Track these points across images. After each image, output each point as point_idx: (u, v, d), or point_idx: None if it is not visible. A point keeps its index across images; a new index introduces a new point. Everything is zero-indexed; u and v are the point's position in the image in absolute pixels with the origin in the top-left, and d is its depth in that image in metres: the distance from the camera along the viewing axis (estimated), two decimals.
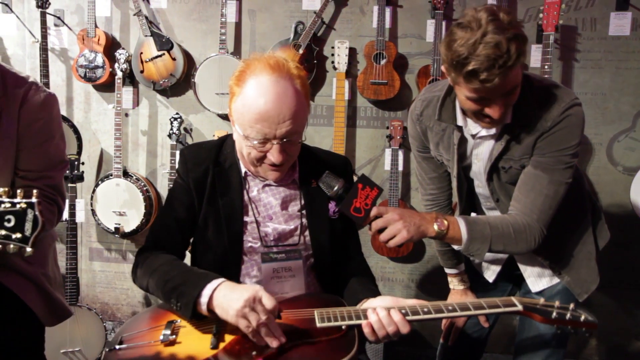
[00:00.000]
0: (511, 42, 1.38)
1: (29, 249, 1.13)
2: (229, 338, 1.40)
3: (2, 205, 1.12)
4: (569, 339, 1.88)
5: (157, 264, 1.54)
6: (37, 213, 1.12)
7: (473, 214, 2.00)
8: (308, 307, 1.43)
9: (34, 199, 1.13)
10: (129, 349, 1.39)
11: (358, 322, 1.36)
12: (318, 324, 1.36)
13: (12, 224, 1.12)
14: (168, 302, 1.45)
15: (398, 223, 1.49)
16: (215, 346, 1.37)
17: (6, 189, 1.13)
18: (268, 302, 1.33)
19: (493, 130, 1.64)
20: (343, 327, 1.37)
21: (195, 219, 1.64)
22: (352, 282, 1.63)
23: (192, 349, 1.37)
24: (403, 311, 1.35)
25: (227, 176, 1.62)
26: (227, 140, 1.69)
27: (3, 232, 1.12)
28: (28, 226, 1.12)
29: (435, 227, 1.55)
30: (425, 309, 1.36)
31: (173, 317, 1.47)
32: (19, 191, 1.13)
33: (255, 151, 1.49)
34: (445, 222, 1.56)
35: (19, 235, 1.12)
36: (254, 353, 1.33)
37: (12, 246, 1.12)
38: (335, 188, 1.47)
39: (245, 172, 1.63)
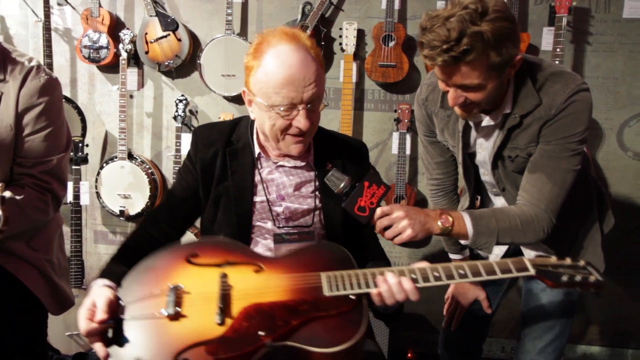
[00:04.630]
0: (469, 36, 1.36)
1: None
2: (234, 309, 1.33)
3: None
4: (574, 316, 1.88)
5: (130, 240, 1.60)
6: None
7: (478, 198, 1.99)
8: (314, 268, 1.39)
9: None
10: (135, 325, 1.33)
11: (367, 290, 1.33)
12: (326, 293, 1.33)
13: None
14: None
15: (403, 221, 1.48)
16: (222, 322, 1.30)
17: None
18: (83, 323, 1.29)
19: (497, 120, 1.62)
20: (352, 296, 1.33)
21: (198, 202, 1.63)
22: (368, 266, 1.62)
23: (199, 325, 1.31)
24: (413, 276, 1.34)
25: (239, 156, 1.61)
26: (241, 122, 1.67)
27: None
28: None
29: (440, 224, 1.54)
30: (437, 274, 1.35)
31: (174, 275, 1.40)
32: None
33: (281, 120, 1.47)
34: (450, 219, 1.55)
35: None
36: (261, 333, 1.27)
37: None
38: (341, 186, 1.45)
39: (259, 154, 1.61)
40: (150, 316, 1.33)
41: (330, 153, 1.63)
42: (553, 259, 1.37)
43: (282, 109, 1.45)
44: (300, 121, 1.46)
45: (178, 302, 1.34)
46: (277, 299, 1.34)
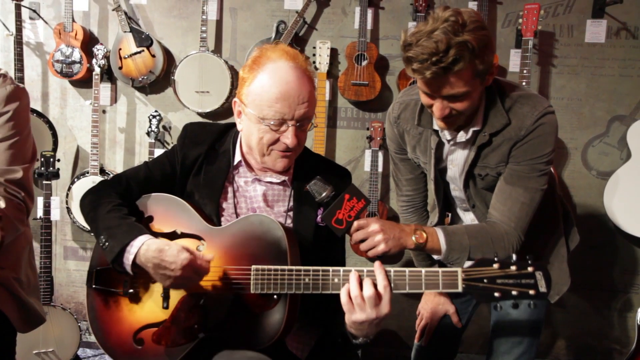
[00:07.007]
0: (455, 46, 1.41)
1: None
2: (176, 295, 1.52)
3: None
4: (542, 332, 1.91)
5: (107, 200, 1.57)
6: None
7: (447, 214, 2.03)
8: (249, 255, 1.48)
9: None
10: (100, 293, 1.62)
11: (289, 292, 1.43)
12: (252, 291, 1.44)
13: None
14: (97, 237, 1.51)
15: (378, 235, 1.50)
16: (167, 306, 1.52)
17: None
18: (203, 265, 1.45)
19: (467, 136, 1.66)
20: (275, 296, 1.45)
21: (167, 190, 1.64)
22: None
23: (151, 306, 1.54)
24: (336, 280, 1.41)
25: (215, 160, 1.64)
26: (231, 129, 1.70)
27: None
28: None
29: (414, 239, 1.57)
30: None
31: None
32: None
33: (269, 134, 1.49)
34: (424, 235, 1.58)
35: None
36: (196, 326, 1.48)
37: None
38: (323, 195, 1.47)
39: (239, 161, 1.62)
40: (114, 293, 1.59)
41: (310, 175, 1.59)
42: (495, 267, 1.31)
43: (272, 122, 1.47)
44: (288, 137, 1.48)
45: (134, 282, 1.56)
46: (210, 290, 1.49)
